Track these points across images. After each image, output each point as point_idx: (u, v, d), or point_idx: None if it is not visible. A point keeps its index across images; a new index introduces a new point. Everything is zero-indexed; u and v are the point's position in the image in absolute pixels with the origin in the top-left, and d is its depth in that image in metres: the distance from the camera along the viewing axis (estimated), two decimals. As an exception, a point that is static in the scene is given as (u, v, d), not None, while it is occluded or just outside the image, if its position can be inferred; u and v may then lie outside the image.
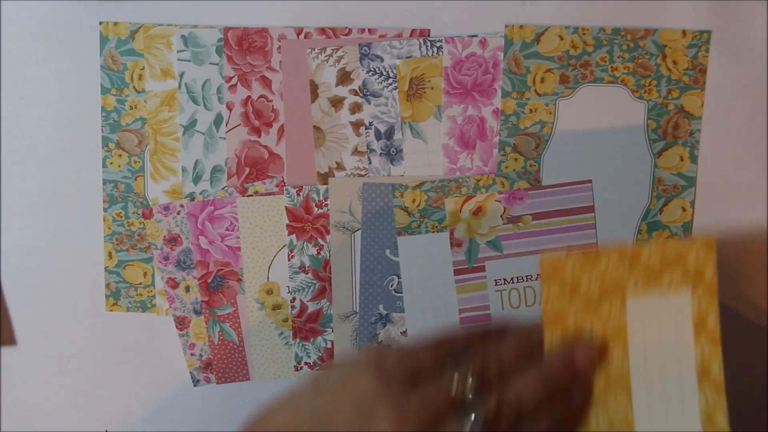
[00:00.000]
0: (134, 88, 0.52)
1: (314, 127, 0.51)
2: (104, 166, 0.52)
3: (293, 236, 0.52)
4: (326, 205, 0.51)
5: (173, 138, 0.52)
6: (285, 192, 0.51)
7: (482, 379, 0.39)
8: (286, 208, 0.52)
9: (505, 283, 0.51)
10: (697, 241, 0.41)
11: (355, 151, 0.51)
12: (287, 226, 0.52)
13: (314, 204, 0.51)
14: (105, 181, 0.52)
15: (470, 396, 0.38)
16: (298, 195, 0.51)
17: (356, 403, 0.39)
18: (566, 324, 0.42)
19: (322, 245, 0.52)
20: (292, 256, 0.52)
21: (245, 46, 0.51)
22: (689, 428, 0.42)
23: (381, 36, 0.50)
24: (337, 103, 0.51)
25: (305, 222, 0.51)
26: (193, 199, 0.52)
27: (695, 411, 0.42)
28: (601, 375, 0.42)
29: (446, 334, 0.42)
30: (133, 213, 0.52)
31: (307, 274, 0.52)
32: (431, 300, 0.51)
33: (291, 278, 0.52)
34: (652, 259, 0.41)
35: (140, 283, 0.53)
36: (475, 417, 0.38)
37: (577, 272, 0.41)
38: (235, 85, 0.51)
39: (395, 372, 0.39)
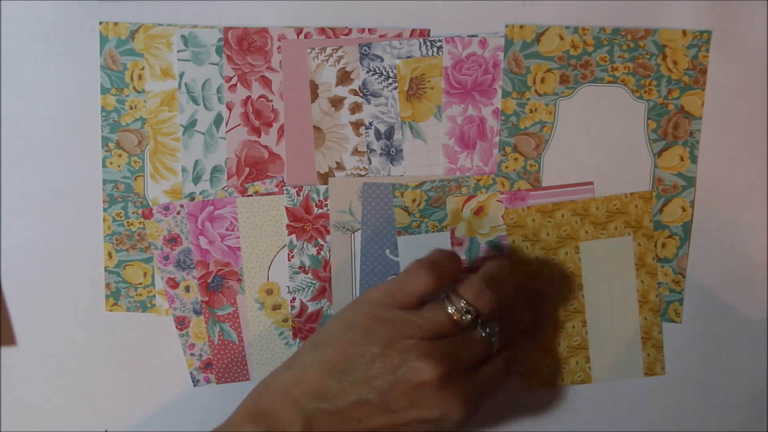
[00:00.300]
0: (134, 88, 0.52)
1: (314, 127, 0.51)
2: (104, 166, 0.52)
3: (293, 236, 0.52)
4: (326, 205, 0.51)
5: (173, 138, 0.52)
6: (285, 192, 0.51)
7: (478, 313, 0.43)
8: (286, 208, 0.51)
9: (505, 283, 0.51)
10: (636, 195, 0.50)
11: (355, 151, 0.51)
12: (287, 226, 0.52)
13: (314, 204, 0.51)
14: (105, 181, 0.52)
15: (467, 323, 0.42)
16: (298, 195, 0.51)
17: (366, 335, 0.41)
18: (529, 266, 0.50)
19: (322, 245, 0.52)
20: (292, 256, 0.52)
21: (245, 46, 0.51)
22: (632, 341, 0.52)
23: (381, 36, 0.50)
24: (337, 103, 0.51)
25: (305, 222, 0.51)
26: (193, 199, 0.52)
27: (637, 329, 0.52)
28: (560, 307, 0.51)
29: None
30: (133, 213, 0.52)
31: (307, 274, 0.52)
32: (431, 300, 0.51)
33: (291, 278, 0.52)
34: (599, 211, 0.50)
35: (140, 283, 0.53)
36: (489, 325, 0.42)
37: (537, 224, 0.49)
38: (235, 85, 0.51)
39: (388, 301, 0.43)
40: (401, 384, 0.40)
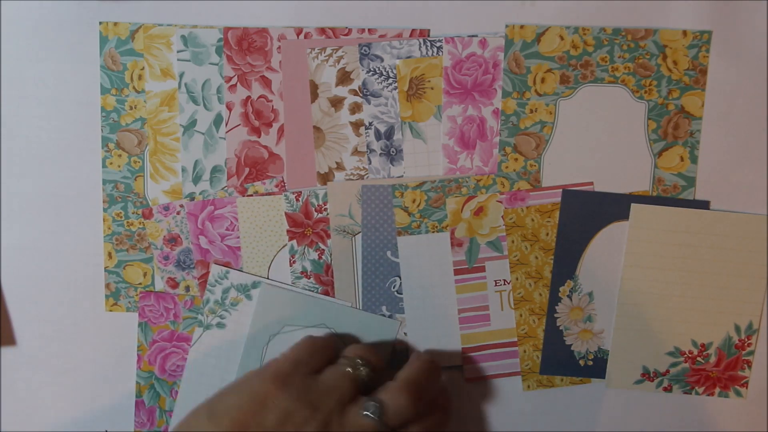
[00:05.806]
0: (134, 88, 0.51)
1: (314, 127, 0.51)
2: (104, 166, 0.52)
3: (294, 241, 0.52)
4: (326, 209, 0.51)
5: (173, 138, 0.52)
6: (284, 197, 0.51)
7: (371, 365, 0.44)
8: (286, 213, 0.51)
9: (505, 284, 0.51)
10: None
11: (355, 152, 0.51)
12: (287, 231, 0.52)
13: (314, 208, 0.51)
14: (105, 181, 0.52)
15: (365, 376, 0.44)
16: (297, 200, 0.51)
17: (263, 408, 0.41)
18: (529, 266, 0.50)
19: (323, 249, 0.51)
20: (294, 262, 0.52)
21: (245, 46, 0.51)
22: None
23: (381, 36, 0.50)
24: (337, 103, 0.51)
25: (305, 227, 0.51)
26: (192, 199, 0.52)
27: None
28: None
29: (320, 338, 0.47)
30: (133, 213, 0.52)
31: (309, 279, 0.52)
32: (431, 300, 0.51)
33: (293, 284, 0.52)
34: None
35: (140, 283, 0.53)
36: (372, 401, 0.42)
37: (536, 224, 0.50)
38: (235, 85, 0.51)
39: (292, 371, 0.43)
40: None
